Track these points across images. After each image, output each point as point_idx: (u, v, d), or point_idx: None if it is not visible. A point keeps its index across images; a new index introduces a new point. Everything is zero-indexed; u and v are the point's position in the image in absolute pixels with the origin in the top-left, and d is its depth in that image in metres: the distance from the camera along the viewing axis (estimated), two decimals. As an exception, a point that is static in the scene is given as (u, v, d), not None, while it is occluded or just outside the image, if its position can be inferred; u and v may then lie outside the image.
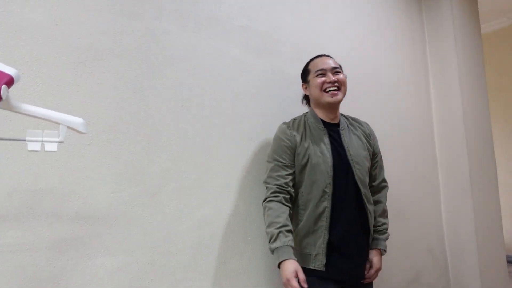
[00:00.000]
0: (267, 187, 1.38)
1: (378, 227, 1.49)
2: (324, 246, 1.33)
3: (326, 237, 1.34)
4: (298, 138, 1.40)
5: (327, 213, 1.34)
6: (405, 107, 2.34)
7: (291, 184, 1.38)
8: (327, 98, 1.41)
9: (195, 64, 1.42)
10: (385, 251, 1.48)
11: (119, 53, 1.24)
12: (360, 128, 1.54)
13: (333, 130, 1.46)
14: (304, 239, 1.37)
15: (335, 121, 1.48)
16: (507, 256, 2.72)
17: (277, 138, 1.43)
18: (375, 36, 2.23)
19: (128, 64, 1.26)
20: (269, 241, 1.30)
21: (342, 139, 1.45)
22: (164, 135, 1.31)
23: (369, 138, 1.53)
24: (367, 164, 1.46)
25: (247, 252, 1.46)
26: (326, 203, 1.35)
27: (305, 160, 1.38)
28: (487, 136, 2.58)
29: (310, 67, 1.49)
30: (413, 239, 2.21)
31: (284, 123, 1.47)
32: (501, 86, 4.42)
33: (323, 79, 1.42)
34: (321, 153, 1.38)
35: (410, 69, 2.44)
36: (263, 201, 1.38)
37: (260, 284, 1.48)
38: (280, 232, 1.28)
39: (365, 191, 1.42)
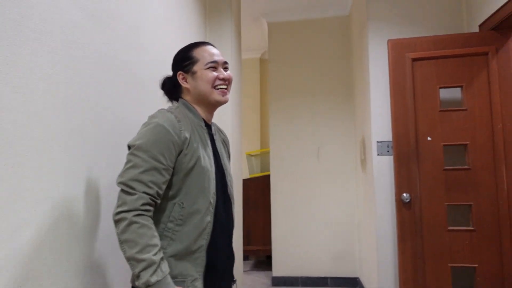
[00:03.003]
0: (131, 193, 1.02)
1: None
2: (202, 269, 1.12)
3: (205, 258, 1.12)
4: (187, 134, 1.12)
5: (209, 229, 1.13)
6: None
7: (161, 194, 1.08)
8: (217, 96, 1.21)
9: (24, 14, 0.92)
10: None
11: None
12: (222, 136, 1.39)
13: (209, 133, 1.26)
14: (178, 263, 1.09)
15: (209, 123, 1.29)
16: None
17: (159, 127, 1.07)
18: (178, 43, 2.19)
19: None
20: (142, 270, 0.97)
21: (216, 144, 1.28)
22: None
23: (228, 149, 1.40)
24: None
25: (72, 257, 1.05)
26: (210, 217, 1.13)
27: (193, 161, 1.11)
28: (240, 150, 3.06)
29: (196, 54, 1.22)
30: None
31: (169, 111, 1.13)
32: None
33: (215, 74, 1.20)
34: (207, 156, 1.17)
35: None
36: (124, 211, 1.00)
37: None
38: (161, 259, 1.01)
39: (233, 205, 1.29)
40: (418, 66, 2.36)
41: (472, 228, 2.24)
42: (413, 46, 2.36)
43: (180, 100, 1.26)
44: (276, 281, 3.80)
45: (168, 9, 1.97)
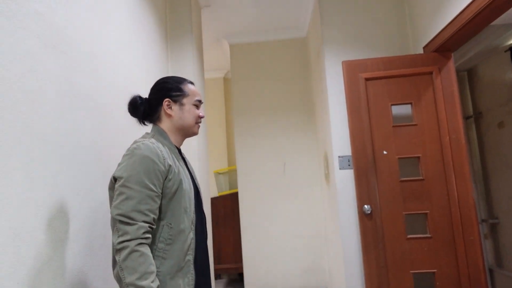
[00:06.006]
0: (131, 223, 1.12)
1: None
2: (193, 283, 1.23)
3: (193, 272, 1.24)
4: (169, 161, 1.24)
5: (193, 245, 1.25)
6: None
7: (156, 219, 1.20)
8: (196, 130, 1.41)
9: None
10: None
11: None
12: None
13: (181, 157, 1.41)
14: (171, 281, 1.18)
15: (179, 148, 1.43)
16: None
17: (146, 159, 1.18)
18: (140, 66, 2.22)
19: None
20: None
21: (188, 166, 1.43)
22: None
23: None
24: None
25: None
26: (192, 234, 1.26)
27: (176, 185, 1.23)
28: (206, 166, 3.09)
29: (186, 90, 1.38)
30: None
31: (149, 141, 1.23)
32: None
33: (199, 111, 1.40)
34: (187, 178, 1.30)
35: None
36: (127, 240, 1.10)
37: None
38: (158, 286, 1.11)
39: (205, 219, 1.42)
40: (371, 85, 2.52)
41: (429, 236, 2.38)
42: (365, 67, 2.53)
43: (154, 127, 1.36)
44: (248, 298, 3.80)
45: (128, 34, 2.01)
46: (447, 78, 2.45)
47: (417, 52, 2.73)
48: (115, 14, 1.82)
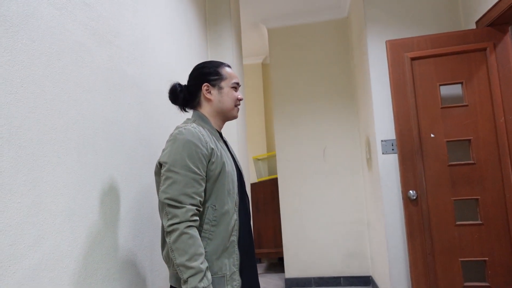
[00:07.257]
0: (179, 207, 1.14)
1: None
2: (238, 262, 1.25)
3: (238, 252, 1.26)
4: (212, 145, 1.25)
5: (236, 226, 1.27)
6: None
7: (202, 202, 1.22)
8: (235, 113, 1.40)
9: (35, 39, 0.98)
10: None
11: None
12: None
13: (222, 140, 1.42)
14: (217, 261, 1.21)
15: (220, 132, 1.44)
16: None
17: (189, 143, 1.20)
18: (181, 53, 2.26)
19: None
20: (191, 276, 1.10)
21: (230, 149, 1.43)
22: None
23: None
24: None
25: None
26: (236, 215, 1.27)
27: (219, 168, 1.24)
28: (245, 150, 3.11)
29: (223, 73, 1.38)
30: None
31: (191, 126, 1.25)
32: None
33: (237, 94, 1.39)
34: (229, 161, 1.31)
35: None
36: (176, 223, 1.13)
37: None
38: (207, 268, 1.15)
39: (249, 201, 1.44)
40: (417, 65, 2.40)
41: (480, 222, 2.26)
42: (411, 46, 2.40)
43: (195, 112, 1.38)
44: (289, 282, 3.83)
45: (169, 23, 2.04)
46: (504, 54, 2.27)
47: (469, 28, 2.55)
48: (156, 2, 1.85)
